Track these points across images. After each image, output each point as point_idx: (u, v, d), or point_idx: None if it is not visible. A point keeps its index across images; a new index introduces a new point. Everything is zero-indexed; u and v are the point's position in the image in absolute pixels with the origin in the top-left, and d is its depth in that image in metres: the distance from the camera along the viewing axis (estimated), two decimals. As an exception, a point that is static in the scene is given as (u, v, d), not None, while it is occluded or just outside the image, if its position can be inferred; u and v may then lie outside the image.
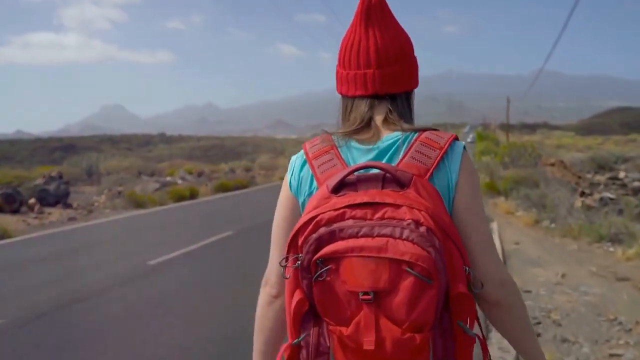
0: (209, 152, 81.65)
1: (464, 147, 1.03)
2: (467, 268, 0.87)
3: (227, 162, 34.70)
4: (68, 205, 13.83)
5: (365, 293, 0.81)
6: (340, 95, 1.12)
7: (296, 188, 1.06)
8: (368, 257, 0.81)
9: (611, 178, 10.94)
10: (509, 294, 0.97)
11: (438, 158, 0.97)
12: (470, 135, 67.43)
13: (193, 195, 15.55)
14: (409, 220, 0.82)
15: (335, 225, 0.85)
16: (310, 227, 0.86)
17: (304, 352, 0.88)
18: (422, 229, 0.82)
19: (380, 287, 0.81)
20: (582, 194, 9.25)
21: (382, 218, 0.84)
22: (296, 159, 1.09)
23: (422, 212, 0.83)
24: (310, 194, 1.03)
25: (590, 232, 7.13)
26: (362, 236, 0.82)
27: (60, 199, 13.85)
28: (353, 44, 1.07)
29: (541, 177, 10.34)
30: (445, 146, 0.98)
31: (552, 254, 6.53)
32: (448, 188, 0.97)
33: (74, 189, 22.86)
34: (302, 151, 1.08)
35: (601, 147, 45.25)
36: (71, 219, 11.75)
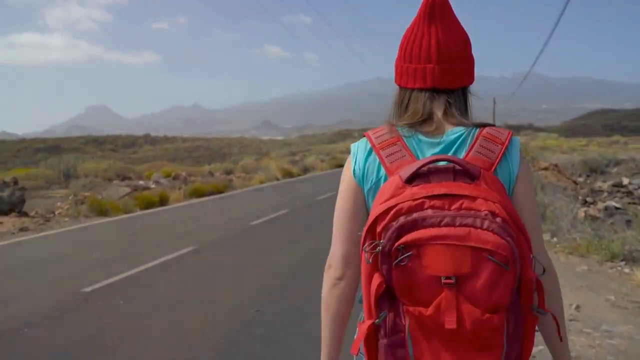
0: (194, 153, 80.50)
1: (519, 142, 1.10)
2: (532, 256, 0.92)
3: (211, 164, 33.54)
4: (24, 214, 12.68)
5: (447, 277, 0.87)
6: (397, 87, 1.19)
7: (361, 177, 1.11)
8: (451, 244, 0.87)
9: (615, 185, 10.13)
10: (551, 281, 1.08)
11: (501, 153, 1.05)
12: None
13: (163, 201, 14.43)
14: (486, 212, 0.89)
15: (415, 215, 0.90)
16: (390, 215, 0.92)
17: (381, 330, 0.93)
18: (499, 219, 0.88)
19: (463, 272, 0.87)
20: (585, 202, 8.40)
21: (459, 209, 0.90)
22: (358, 148, 1.13)
23: (496, 204, 0.90)
24: (377, 182, 1.08)
25: (600, 249, 6.24)
26: (444, 225, 0.88)
27: (14, 206, 12.68)
28: (415, 39, 1.13)
29: (538, 183, 9.49)
30: (506, 142, 1.06)
31: (560, 276, 5.58)
32: (509, 179, 1.06)
33: (44, 192, 21.59)
34: (365, 140, 1.12)
35: (585, 148, 45.20)
36: (23, 230, 10.60)
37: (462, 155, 1.05)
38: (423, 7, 1.12)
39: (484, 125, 1.09)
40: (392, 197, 0.95)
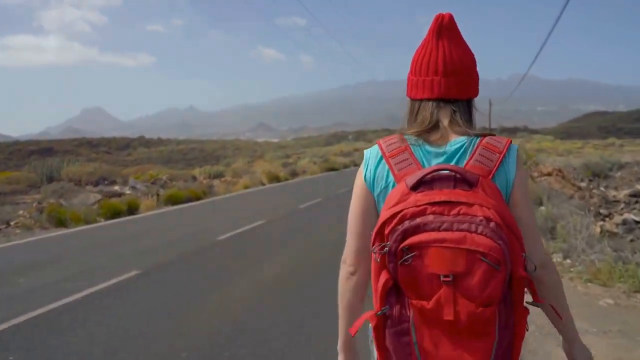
0: (188, 156, 79.35)
1: (517, 149, 1.20)
2: (524, 254, 1.02)
3: (202, 167, 32.32)
4: (-27, 224, 11.49)
5: (446, 276, 0.97)
6: (408, 99, 1.30)
7: (371, 182, 1.22)
8: (449, 247, 0.97)
9: (633, 195, 9.02)
10: (550, 274, 1.19)
11: (499, 160, 1.15)
12: None
13: (132, 209, 13.25)
14: (481, 217, 0.98)
15: (418, 220, 0.99)
16: (396, 220, 1.01)
17: (389, 321, 1.04)
18: (492, 224, 0.98)
19: (458, 271, 0.97)
20: (598, 214, 7.30)
21: (457, 214, 0.99)
22: (370, 155, 1.24)
23: (491, 210, 0.99)
24: (385, 187, 1.19)
25: (625, 277, 5.12)
26: (443, 230, 0.98)
27: (-35, 216, 11.50)
28: (425, 55, 1.25)
29: (544, 192, 8.36)
30: (504, 150, 1.16)
31: (581, 314, 4.48)
32: (506, 185, 1.16)
33: (21, 197, 20.33)
34: (376, 147, 1.23)
35: (581, 151, 44.50)
36: (-36, 243, 9.43)
37: (463, 163, 1.15)
38: (432, 25, 1.24)
39: (484, 135, 1.19)
40: (398, 202, 1.05)
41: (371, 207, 1.22)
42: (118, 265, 6.54)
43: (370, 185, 1.22)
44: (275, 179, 22.20)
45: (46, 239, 9.15)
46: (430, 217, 0.99)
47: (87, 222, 11.37)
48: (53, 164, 35.27)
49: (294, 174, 24.57)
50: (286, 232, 8.85)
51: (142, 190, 17.79)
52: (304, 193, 15.80)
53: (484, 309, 0.96)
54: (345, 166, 32.19)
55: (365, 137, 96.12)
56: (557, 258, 6.22)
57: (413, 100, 1.27)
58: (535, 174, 12.28)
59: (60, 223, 11.29)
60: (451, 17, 1.24)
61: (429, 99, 1.23)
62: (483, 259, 0.95)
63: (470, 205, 0.99)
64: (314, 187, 18.51)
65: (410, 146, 1.18)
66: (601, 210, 7.69)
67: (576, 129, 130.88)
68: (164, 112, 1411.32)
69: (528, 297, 1.08)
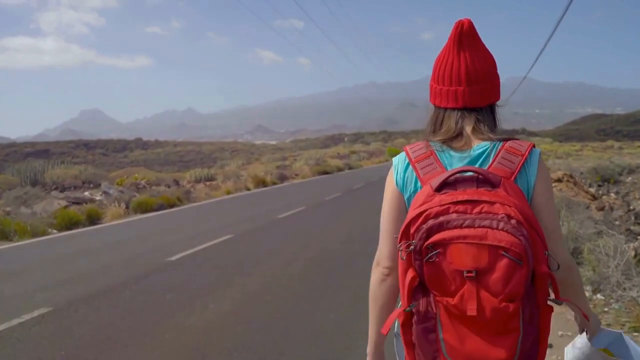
0: (185, 158, 78.40)
1: (540, 153, 1.21)
2: (546, 252, 1.04)
3: (195, 169, 31.01)
4: None
5: (469, 271, 0.99)
6: (432, 105, 1.32)
7: (402, 185, 1.26)
8: (471, 243, 0.99)
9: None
10: (572, 275, 1.21)
11: (520, 163, 1.17)
12: None
13: (93, 219, 11.84)
14: (502, 214, 1.00)
15: (442, 218, 1.02)
16: (421, 219, 1.04)
17: (415, 317, 1.07)
18: (513, 221, 0.99)
19: (481, 267, 0.99)
20: (629, 232, 5.96)
21: (480, 212, 1.01)
22: (399, 162, 1.29)
23: (512, 208, 1.01)
24: (415, 191, 1.22)
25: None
26: (465, 227, 1.00)
27: None
28: (447, 63, 1.27)
29: (562, 202, 6.98)
30: (526, 153, 1.18)
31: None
32: (528, 187, 1.18)
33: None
34: (403, 154, 1.28)
35: (580, 153, 43.63)
36: None
37: (486, 166, 1.17)
38: (452, 35, 1.25)
39: (507, 139, 1.21)
40: (423, 203, 1.07)
41: (403, 209, 1.24)
42: (25, 299, 5.15)
43: (402, 188, 1.25)
44: (262, 183, 20.81)
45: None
46: (454, 216, 1.02)
47: (36, 235, 9.97)
48: (37, 167, 33.97)
49: (282, 178, 23.17)
50: (252, 253, 7.43)
51: (115, 195, 16.37)
52: (288, 200, 14.42)
53: (507, 304, 0.97)
54: (340, 169, 30.83)
55: (362, 139, 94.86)
56: (586, 292, 4.85)
57: (437, 107, 1.30)
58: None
59: (4, 236, 9.91)
60: (470, 24, 1.25)
61: (453, 108, 1.26)
62: (505, 254, 0.97)
63: (492, 203, 1.02)
64: (301, 192, 17.15)
65: (435, 152, 1.22)
66: (632, 227, 6.36)
67: (574, 132, 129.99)
68: (162, 114, 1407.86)
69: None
